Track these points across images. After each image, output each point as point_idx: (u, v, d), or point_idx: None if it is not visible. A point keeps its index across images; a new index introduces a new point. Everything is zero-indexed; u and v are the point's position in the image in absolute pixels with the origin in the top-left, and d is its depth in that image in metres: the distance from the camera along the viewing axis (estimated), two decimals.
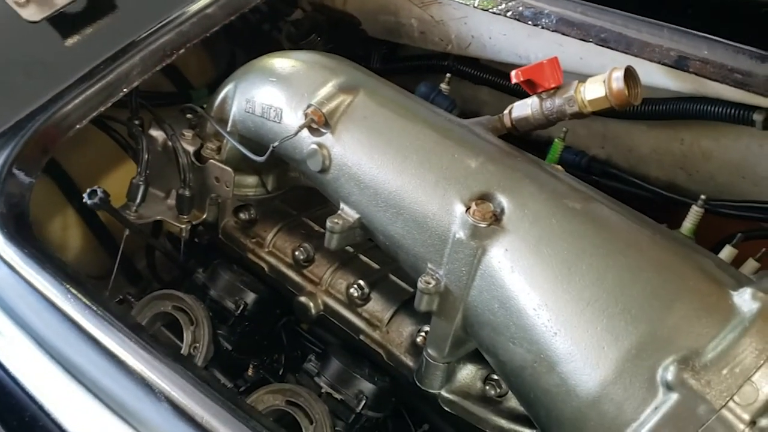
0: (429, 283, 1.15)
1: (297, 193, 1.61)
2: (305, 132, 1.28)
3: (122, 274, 1.91)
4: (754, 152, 1.45)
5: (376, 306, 1.40)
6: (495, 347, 1.11)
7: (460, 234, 1.11)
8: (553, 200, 1.10)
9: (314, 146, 1.28)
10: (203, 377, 1.02)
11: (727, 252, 1.38)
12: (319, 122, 1.26)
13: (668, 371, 0.92)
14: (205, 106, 1.56)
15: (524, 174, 1.15)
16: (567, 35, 1.33)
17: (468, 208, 1.11)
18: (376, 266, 1.46)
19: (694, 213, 1.44)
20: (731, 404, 0.88)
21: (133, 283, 1.94)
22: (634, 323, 0.97)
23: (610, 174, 1.67)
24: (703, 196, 1.43)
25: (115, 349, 1.06)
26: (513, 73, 1.19)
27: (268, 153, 1.29)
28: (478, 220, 1.09)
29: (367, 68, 1.97)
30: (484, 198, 1.13)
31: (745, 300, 0.96)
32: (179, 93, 2.03)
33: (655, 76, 1.34)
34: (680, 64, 1.23)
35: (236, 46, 2.11)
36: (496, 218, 1.10)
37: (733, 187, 1.53)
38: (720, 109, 1.34)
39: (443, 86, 1.76)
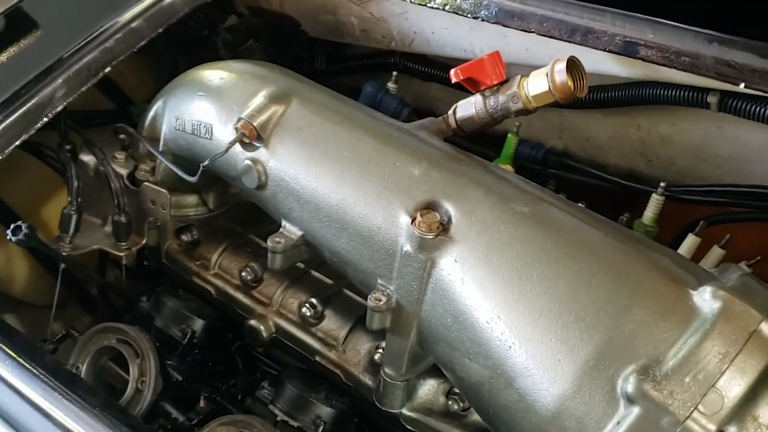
0: (380, 300, 1.08)
1: (242, 208, 1.53)
2: (238, 147, 1.21)
3: (76, 301, 1.83)
4: (713, 134, 1.39)
5: (331, 324, 1.33)
6: (452, 363, 1.05)
7: (407, 247, 1.05)
8: (500, 205, 1.04)
9: (248, 162, 1.20)
10: (140, 429, 0.96)
11: (690, 241, 1.33)
12: (251, 136, 1.19)
13: (628, 382, 0.86)
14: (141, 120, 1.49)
15: (469, 179, 1.08)
16: (507, 26, 1.27)
17: (413, 219, 1.05)
18: (328, 281, 1.39)
19: (655, 201, 1.39)
20: (696, 414, 0.82)
21: (88, 310, 1.86)
22: (589, 332, 0.91)
23: (568, 166, 1.62)
24: (663, 184, 1.37)
25: (46, 407, 0.99)
26: (452, 72, 1.12)
27: (199, 172, 1.22)
28: (425, 232, 1.03)
29: (310, 70, 1.91)
30: (429, 207, 1.06)
31: (705, 299, 0.90)
32: (119, 110, 1.94)
33: (603, 64, 1.28)
34: (627, 50, 1.17)
35: (177, 55, 2.02)
36: (444, 228, 1.04)
37: (695, 171, 1.48)
38: (674, 93, 1.29)
39: (390, 85, 1.69)
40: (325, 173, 1.14)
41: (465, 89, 1.74)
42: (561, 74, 1.08)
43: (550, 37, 1.23)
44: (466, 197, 1.05)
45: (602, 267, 0.96)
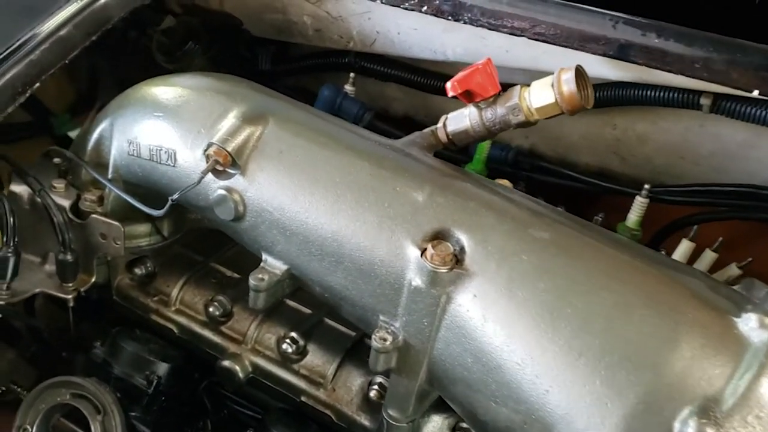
0: (385, 341, 0.98)
1: (198, 233, 1.38)
2: (210, 175, 1.07)
3: None
4: (694, 132, 1.36)
5: (316, 359, 1.22)
6: (472, 405, 0.97)
7: (417, 281, 0.95)
8: (517, 231, 0.95)
9: (222, 192, 1.06)
10: None
11: (685, 246, 1.30)
12: (225, 163, 1.05)
13: (688, 426, 0.79)
14: (79, 141, 1.31)
15: (479, 202, 0.99)
16: (495, 30, 1.18)
17: (423, 251, 0.95)
18: (307, 311, 1.28)
19: (639, 204, 1.35)
20: None
21: (10, 343, 1.65)
22: (636, 373, 0.84)
23: (540, 168, 1.55)
24: (647, 186, 1.33)
25: None
26: (449, 86, 1.02)
27: (166, 207, 1.07)
28: (438, 265, 0.93)
29: (253, 71, 1.76)
30: (439, 237, 0.97)
31: (752, 329, 0.84)
32: (37, 122, 1.73)
33: (594, 66, 1.20)
34: (624, 54, 1.10)
35: (99, 58, 1.82)
36: (458, 260, 0.95)
37: (672, 168, 1.45)
38: (665, 95, 1.23)
39: (348, 88, 1.58)
40: (315, 202, 1.02)
41: (424, 89, 1.65)
42: (569, 84, 0.99)
43: (544, 41, 1.14)
44: (478, 224, 0.96)
45: (639, 297, 0.89)
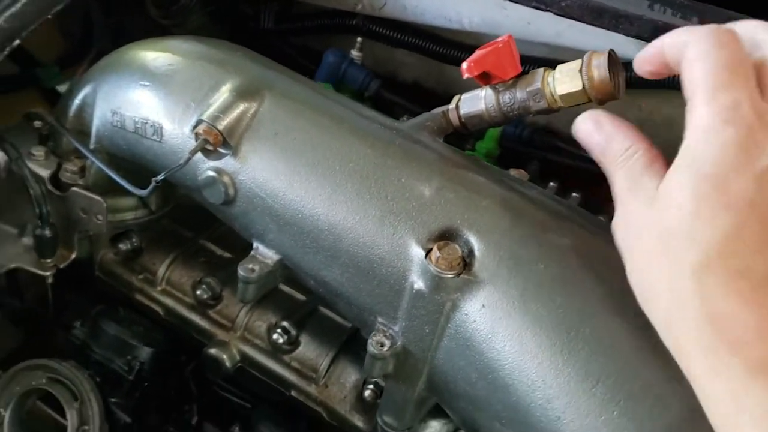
0: (383, 346, 0.90)
1: (189, 207, 1.29)
2: (199, 154, 0.97)
3: None
4: None
5: (308, 352, 1.14)
6: (475, 422, 0.89)
7: (420, 285, 0.86)
8: (535, 237, 0.86)
9: (212, 173, 0.97)
10: None
11: None
12: (216, 143, 0.95)
13: None
14: (62, 105, 1.20)
15: (493, 200, 0.89)
16: (516, 2, 1.06)
17: (428, 252, 0.86)
18: (301, 297, 1.20)
19: None
20: None
21: None
22: (661, 404, 0.76)
23: (556, 148, 1.45)
24: None
25: None
26: (464, 67, 0.91)
27: (150, 188, 0.98)
28: (443, 270, 0.84)
29: (255, 29, 1.64)
30: (445, 237, 0.87)
31: None
32: (21, 74, 1.63)
33: (625, 47, 1.09)
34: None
35: (91, 7, 1.70)
36: (466, 264, 0.86)
37: None
38: None
39: (355, 53, 1.47)
40: (312, 191, 0.93)
41: (438, 58, 1.53)
42: (601, 70, 0.89)
43: (571, 18, 1.03)
44: (492, 225, 0.87)
45: None
